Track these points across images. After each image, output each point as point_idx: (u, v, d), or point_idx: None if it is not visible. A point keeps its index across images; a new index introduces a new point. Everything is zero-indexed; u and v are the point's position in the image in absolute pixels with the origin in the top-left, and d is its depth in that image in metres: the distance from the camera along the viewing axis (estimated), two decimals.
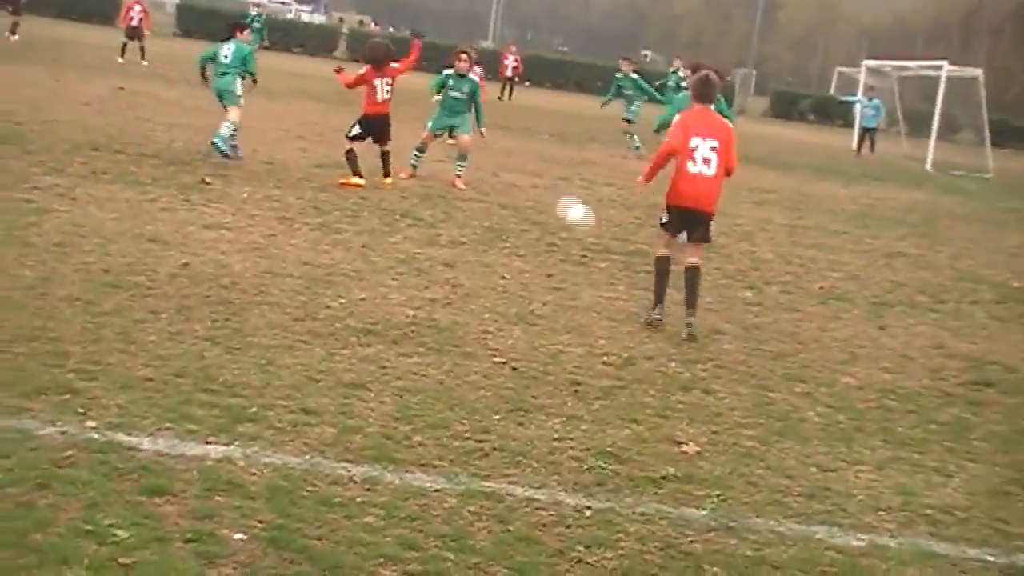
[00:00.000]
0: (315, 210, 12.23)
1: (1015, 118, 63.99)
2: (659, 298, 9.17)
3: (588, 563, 4.69)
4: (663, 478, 5.75)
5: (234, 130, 15.31)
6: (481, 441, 5.93)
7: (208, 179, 13.12)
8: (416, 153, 16.02)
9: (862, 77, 41.19)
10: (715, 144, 8.86)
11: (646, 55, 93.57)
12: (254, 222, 11.12)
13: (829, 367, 8.48)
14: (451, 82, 15.97)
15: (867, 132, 35.06)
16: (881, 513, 5.68)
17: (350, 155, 14.51)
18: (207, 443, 5.42)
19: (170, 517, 4.60)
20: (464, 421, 6.21)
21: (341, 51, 58.58)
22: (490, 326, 8.37)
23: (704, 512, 5.39)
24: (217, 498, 4.83)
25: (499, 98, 38.89)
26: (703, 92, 9.20)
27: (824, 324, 10.00)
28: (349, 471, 5.30)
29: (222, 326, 7.42)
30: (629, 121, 24.20)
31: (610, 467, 5.80)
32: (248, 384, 6.33)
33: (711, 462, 6.10)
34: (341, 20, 75.59)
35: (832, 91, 63.12)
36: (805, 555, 5.03)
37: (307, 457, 5.41)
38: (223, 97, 15.48)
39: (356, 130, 14.64)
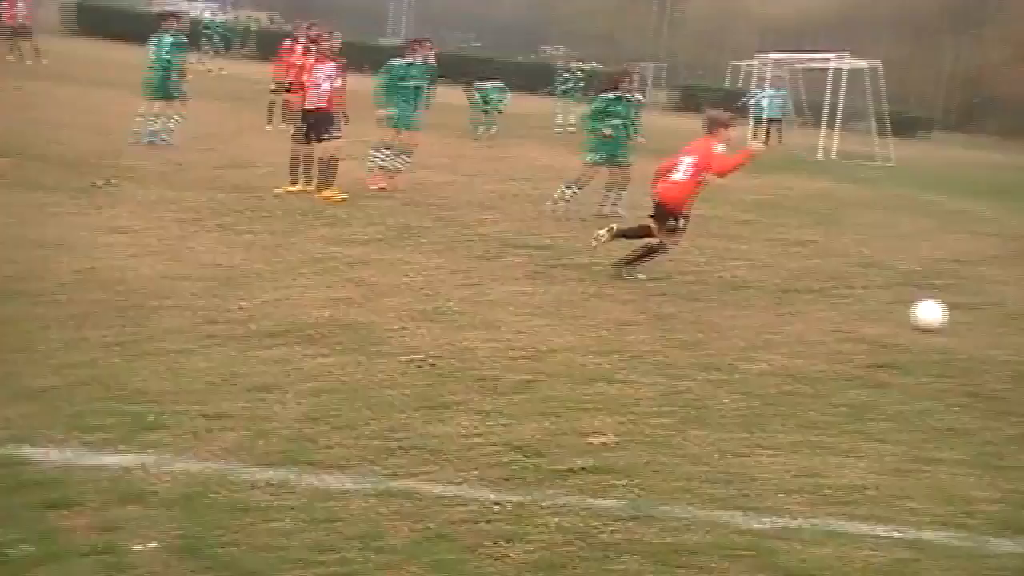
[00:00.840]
0: (222, 211, 12.08)
1: (914, 108, 65.59)
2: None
3: (505, 557, 4.71)
4: (578, 469, 5.78)
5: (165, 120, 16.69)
6: (395, 439, 5.92)
7: (113, 181, 12.90)
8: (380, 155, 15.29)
9: (765, 71, 41.74)
10: (691, 159, 10.87)
11: (555, 49, 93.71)
12: (159, 225, 10.97)
13: (737, 354, 8.60)
14: (414, 72, 15.21)
15: (772, 123, 35.59)
16: (790, 495, 5.78)
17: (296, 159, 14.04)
18: (114, 452, 5.33)
19: (75, 530, 4.52)
20: (378, 420, 6.18)
21: (250, 50, 57.77)
22: (402, 323, 8.35)
23: (618, 502, 5.43)
24: (125, 508, 4.75)
25: None
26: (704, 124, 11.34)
27: (733, 312, 10.14)
28: (262, 475, 5.25)
29: (126, 332, 7.30)
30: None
31: (525, 461, 5.82)
32: (155, 390, 6.24)
33: (625, 452, 6.15)
34: (249, 18, 74.58)
35: (727, 84, 63.82)
36: (718, 539, 5.11)
37: (218, 462, 5.35)
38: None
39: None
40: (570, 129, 27.31)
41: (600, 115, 14.75)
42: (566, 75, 32.37)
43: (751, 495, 5.73)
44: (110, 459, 5.25)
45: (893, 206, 21.61)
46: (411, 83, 15.06)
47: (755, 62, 42.41)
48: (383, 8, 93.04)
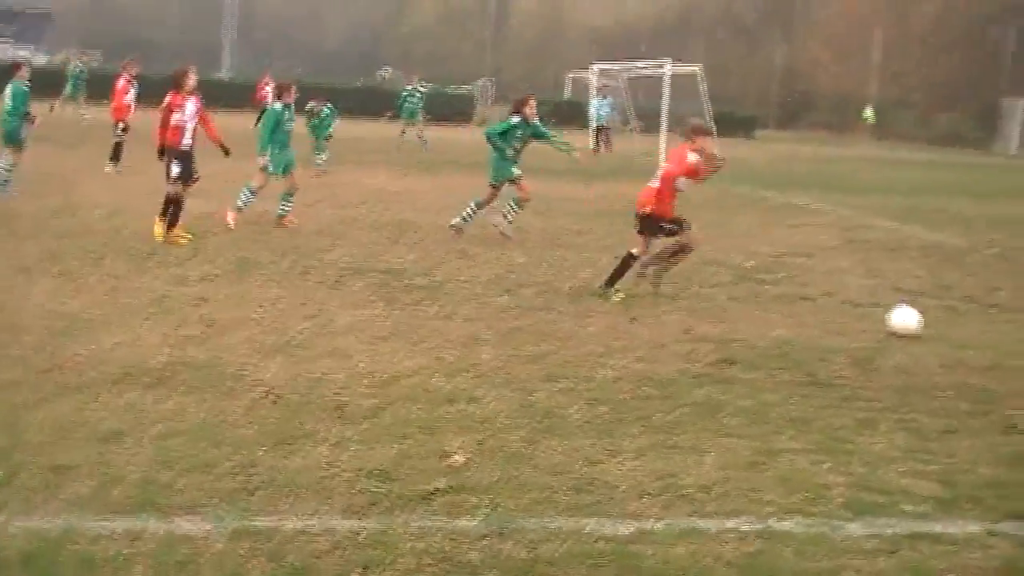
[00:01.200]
0: (56, 257, 11.74)
1: (736, 108, 67.50)
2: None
3: None
4: (435, 491, 5.80)
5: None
6: (249, 477, 5.84)
7: None
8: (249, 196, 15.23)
9: (593, 80, 42.56)
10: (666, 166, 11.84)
11: (386, 72, 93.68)
12: None
13: (587, 362, 8.74)
14: (287, 114, 15.40)
15: (601, 131, 36.28)
16: (645, 498, 5.90)
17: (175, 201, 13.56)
18: None
19: None
20: (229, 459, 6.09)
21: (66, 91, 56.26)
22: (249, 359, 8.23)
23: (478, 520, 5.46)
24: None
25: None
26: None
27: (579, 321, 10.29)
28: (111, 525, 5.12)
29: None
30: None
31: (382, 487, 5.81)
32: None
33: (481, 469, 6.19)
34: (67, 59, 72.61)
35: (567, 95, 64.81)
36: (577, 548, 5.18)
37: (64, 516, 5.19)
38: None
39: (176, 169, 13.49)
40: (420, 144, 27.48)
41: (505, 136, 15.05)
42: (409, 95, 33.00)
43: (607, 501, 5.83)
44: None
45: (726, 205, 22.22)
46: (288, 127, 15.38)
47: (591, 73, 43.15)
48: (214, 43, 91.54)
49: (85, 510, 5.29)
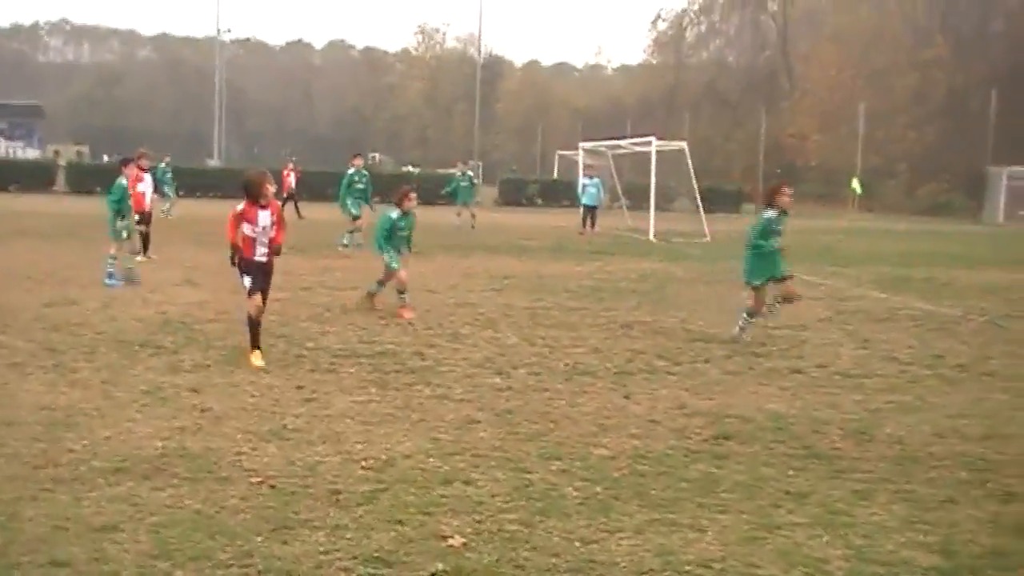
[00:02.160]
0: (48, 351, 11.74)
1: (723, 183, 68.14)
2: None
3: None
4: (434, 575, 5.77)
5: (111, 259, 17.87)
6: (246, 566, 5.81)
7: None
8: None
9: (581, 158, 42.96)
10: None
11: (374, 157, 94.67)
12: None
13: (581, 441, 8.73)
14: (402, 224, 15.69)
15: (589, 210, 36.54)
16: None
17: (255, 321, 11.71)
18: None
19: None
20: (226, 548, 6.06)
21: (60, 185, 56.79)
22: (244, 447, 8.22)
23: None
24: None
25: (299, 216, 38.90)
26: None
27: (572, 400, 10.29)
28: None
29: None
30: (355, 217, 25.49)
31: (379, 572, 5.78)
32: None
33: (479, 552, 6.16)
34: (57, 152, 73.32)
35: (556, 174, 65.42)
36: None
37: None
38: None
39: (247, 280, 11.67)
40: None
41: (765, 232, 14.23)
42: (461, 179, 37.19)
43: None
44: None
45: (715, 280, 22.33)
46: (402, 233, 15.93)
47: (580, 152, 43.57)
48: (204, 131, 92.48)
49: None
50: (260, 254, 11.60)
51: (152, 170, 36.61)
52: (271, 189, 11.64)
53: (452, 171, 38.21)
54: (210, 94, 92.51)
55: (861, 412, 10.11)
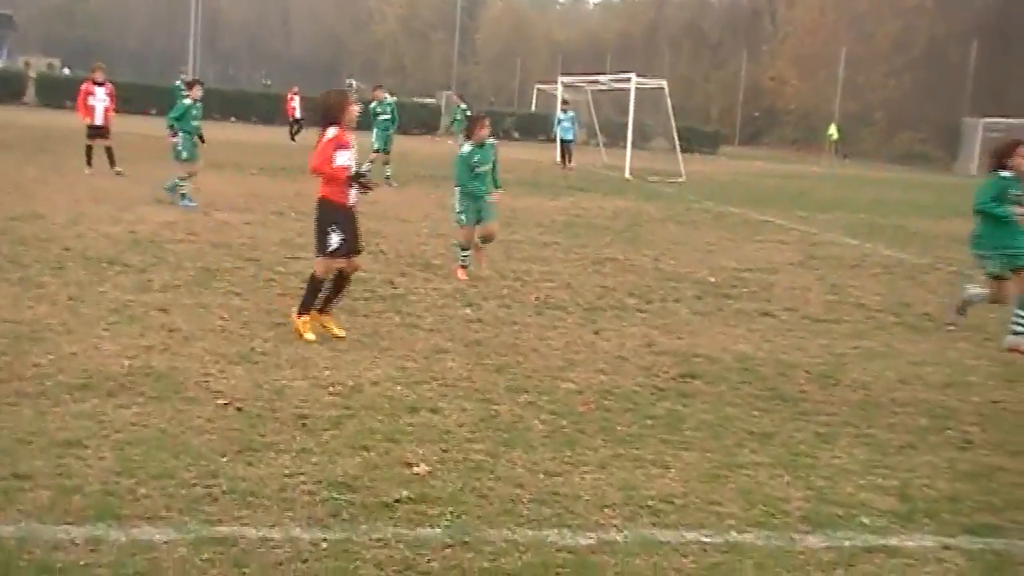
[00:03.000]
0: (14, 264, 11.64)
1: (701, 124, 67.98)
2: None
3: None
4: (397, 501, 5.80)
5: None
6: (209, 486, 5.81)
7: None
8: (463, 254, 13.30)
9: (560, 92, 42.71)
10: None
11: (351, 84, 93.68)
12: None
13: (549, 375, 8.76)
14: (477, 157, 12.99)
15: (564, 144, 36.38)
16: (607, 510, 5.93)
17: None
18: None
19: None
20: (190, 468, 6.06)
21: (30, 97, 56.03)
22: (211, 368, 8.20)
23: (439, 530, 5.47)
24: None
25: (293, 139, 39.13)
26: None
27: (542, 333, 10.31)
28: (70, 533, 5.08)
29: None
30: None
31: (344, 497, 5.80)
32: None
33: (443, 480, 6.19)
34: (27, 64, 72.20)
35: (534, 108, 65.05)
36: (538, 559, 5.20)
37: (22, 524, 5.15)
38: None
39: (335, 239, 9.36)
40: None
41: (999, 199, 11.50)
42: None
43: (569, 512, 5.85)
44: None
45: (689, 220, 22.36)
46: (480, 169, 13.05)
47: (559, 86, 43.28)
48: (178, 50, 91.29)
49: (44, 519, 5.25)
50: (351, 195, 9.44)
51: (175, 89, 36.48)
52: (356, 109, 9.49)
53: (428, 101, 37.50)
54: (185, 11, 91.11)
55: (827, 356, 10.19)
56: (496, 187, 13.38)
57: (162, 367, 8.10)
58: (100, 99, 22.78)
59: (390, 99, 26.88)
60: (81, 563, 4.80)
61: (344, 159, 9.22)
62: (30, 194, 18.01)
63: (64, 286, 10.79)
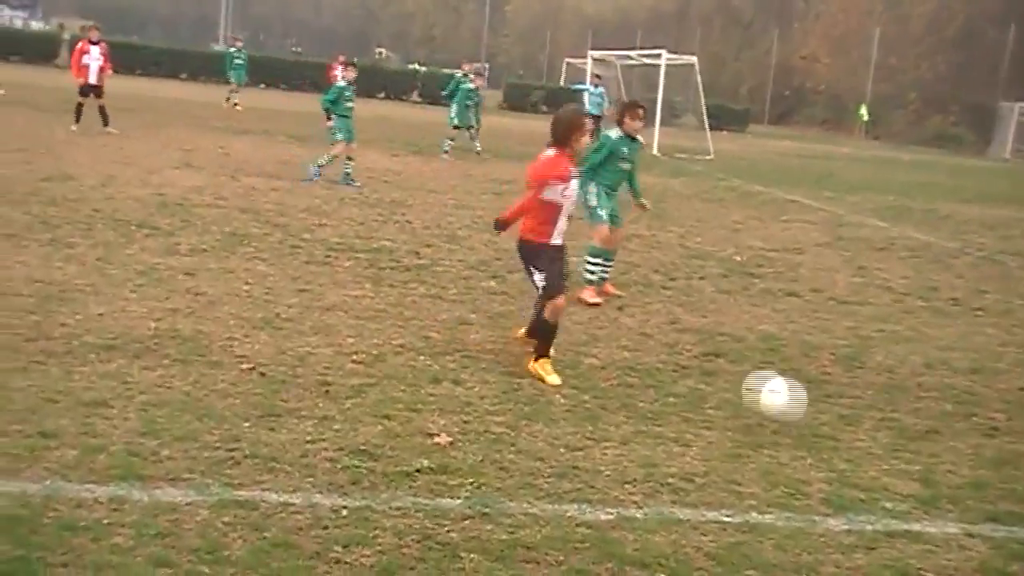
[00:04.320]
0: (44, 225, 11.69)
1: (730, 101, 67.53)
2: None
3: (346, 562, 4.71)
4: (417, 471, 5.81)
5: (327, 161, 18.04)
6: (232, 450, 5.84)
7: None
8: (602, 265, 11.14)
9: (589, 67, 42.49)
10: None
11: (380, 52, 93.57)
12: None
13: (572, 349, 8.74)
14: (624, 149, 10.93)
15: (594, 120, 36.13)
16: (627, 486, 5.92)
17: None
18: None
19: None
20: (213, 431, 6.09)
21: (63, 59, 56.18)
22: (235, 333, 8.22)
23: (459, 501, 5.48)
24: None
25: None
26: None
27: (566, 308, 10.27)
28: (93, 492, 5.12)
29: None
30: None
31: (364, 465, 5.81)
32: None
33: (464, 451, 6.20)
34: (61, 26, 72.43)
35: (563, 82, 64.78)
36: (558, 533, 5.20)
37: (47, 482, 5.19)
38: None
39: (539, 278, 7.95)
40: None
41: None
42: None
43: (589, 487, 5.85)
44: None
45: (716, 198, 22.25)
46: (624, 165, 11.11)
47: (588, 60, 43.03)
48: (209, 16, 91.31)
49: (69, 477, 5.29)
50: (558, 235, 7.97)
51: (228, 56, 36.54)
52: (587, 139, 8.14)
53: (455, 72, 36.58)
54: None
55: (852, 339, 10.13)
56: (636, 197, 11.61)
57: (187, 330, 8.13)
58: (95, 58, 23.00)
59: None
60: (104, 522, 4.83)
61: (555, 194, 7.83)
62: (60, 155, 18.07)
63: (92, 248, 10.84)
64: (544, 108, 60.43)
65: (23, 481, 5.19)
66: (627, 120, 10.93)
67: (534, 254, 7.96)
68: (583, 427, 6.84)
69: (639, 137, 11.12)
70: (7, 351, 7.18)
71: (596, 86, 36.56)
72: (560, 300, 7.90)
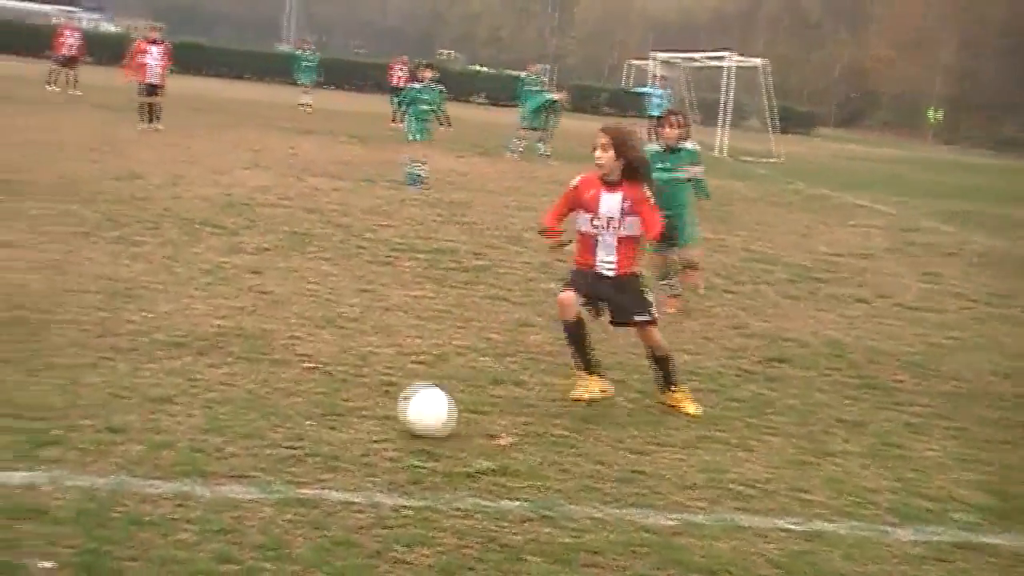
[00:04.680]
0: (112, 223, 11.85)
1: (797, 104, 66.86)
2: None
3: (407, 562, 4.70)
4: (479, 472, 5.79)
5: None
6: (295, 448, 5.86)
7: None
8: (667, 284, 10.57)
9: (651, 69, 42.32)
10: None
11: (449, 53, 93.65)
12: (50, 239, 10.70)
13: (636, 352, 8.63)
14: (658, 163, 9.76)
15: (655, 120, 35.85)
16: (690, 491, 5.86)
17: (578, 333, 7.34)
18: (9, 469, 5.19)
19: None
20: (277, 429, 6.11)
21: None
22: (299, 331, 8.27)
23: (521, 503, 5.45)
24: (20, 526, 4.64)
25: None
26: None
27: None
28: (161, 488, 5.16)
29: (19, 347, 7.11)
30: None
31: (426, 465, 5.80)
32: (50, 406, 6.08)
33: (526, 453, 6.17)
34: (133, 29, 73.40)
35: (624, 83, 64.59)
36: (621, 538, 5.15)
37: (115, 476, 5.24)
38: None
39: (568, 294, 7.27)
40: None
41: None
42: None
43: (652, 492, 5.79)
44: (4, 476, 5.13)
45: (783, 202, 22.05)
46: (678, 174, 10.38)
47: (650, 61, 42.87)
48: (274, 16, 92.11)
49: (136, 472, 5.33)
50: (603, 262, 7.31)
51: (295, 59, 36.89)
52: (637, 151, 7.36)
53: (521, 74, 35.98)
54: None
55: (921, 346, 9.97)
56: (705, 196, 10.94)
57: (252, 328, 8.19)
58: (155, 57, 23.21)
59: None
60: (169, 517, 4.87)
61: (583, 223, 7.30)
62: (128, 155, 18.33)
63: (159, 246, 10.96)
64: (607, 109, 60.38)
65: (93, 475, 5.24)
66: (663, 130, 10.49)
67: (581, 275, 7.34)
68: (645, 431, 6.78)
69: (687, 145, 10.44)
70: (77, 347, 7.28)
71: (660, 88, 36.31)
72: (653, 332, 7.33)
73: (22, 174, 14.58)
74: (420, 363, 7.77)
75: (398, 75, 37.84)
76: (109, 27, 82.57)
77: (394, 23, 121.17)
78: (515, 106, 36.49)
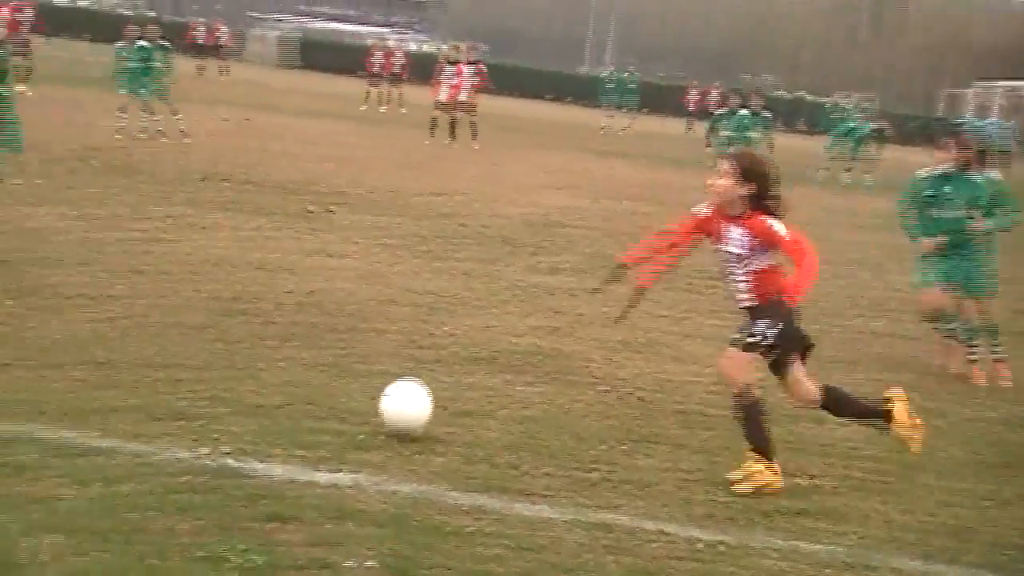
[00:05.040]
0: (427, 238, 12.20)
1: None
2: None
3: None
4: (786, 512, 5.53)
5: None
6: (599, 471, 5.80)
7: (311, 208, 13.21)
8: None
9: (987, 98, 39.75)
10: None
11: (765, 78, 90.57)
12: (368, 250, 11.21)
13: (961, 400, 8.09)
14: (930, 189, 8.96)
15: (1002, 155, 33.13)
16: (1020, 551, 5.39)
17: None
18: (327, 470, 5.37)
19: (293, 544, 4.55)
20: (581, 450, 6.07)
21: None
22: (604, 353, 8.22)
23: (831, 547, 5.17)
24: (339, 525, 4.77)
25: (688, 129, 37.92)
26: None
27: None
28: (467, 500, 5.20)
29: (337, 353, 7.45)
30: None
31: (729, 499, 5.60)
32: (366, 410, 6.23)
33: (835, 495, 5.87)
34: (456, 48, 75.93)
35: (941, 113, 61.66)
36: None
37: (426, 485, 5.32)
38: None
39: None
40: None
41: None
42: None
43: (976, 550, 5.37)
44: (324, 476, 5.30)
45: None
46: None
47: (971, 90, 40.51)
48: (581, 38, 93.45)
49: (444, 482, 5.40)
50: (734, 299, 6.32)
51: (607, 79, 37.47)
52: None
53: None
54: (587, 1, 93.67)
55: None
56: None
57: (558, 348, 8.20)
58: (467, 77, 23.94)
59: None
60: (476, 530, 4.88)
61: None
62: (436, 171, 18.91)
63: (460, 261, 11.19)
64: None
65: (406, 481, 5.34)
66: (936, 153, 9.17)
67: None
68: (971, 483, 6.31)
69: (973, 176, 8.91)
70: (392, 356, 7.52)
71: (995, 119, 34.00)
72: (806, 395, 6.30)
73: (342, 187, 15.30)
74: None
75: (695, 101, 37.69)
76: (425, 46, 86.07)
77: (715, 43, 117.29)
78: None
